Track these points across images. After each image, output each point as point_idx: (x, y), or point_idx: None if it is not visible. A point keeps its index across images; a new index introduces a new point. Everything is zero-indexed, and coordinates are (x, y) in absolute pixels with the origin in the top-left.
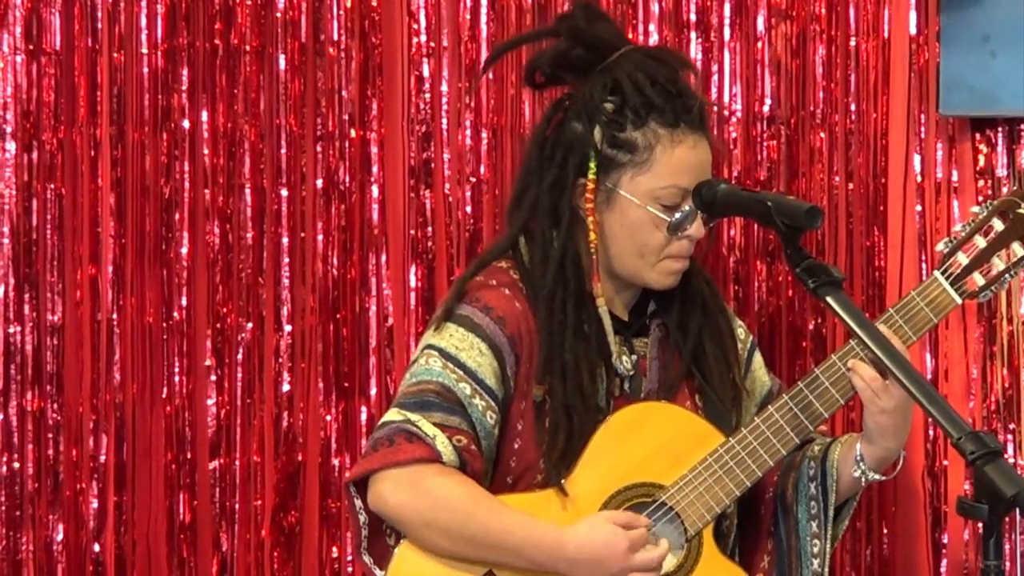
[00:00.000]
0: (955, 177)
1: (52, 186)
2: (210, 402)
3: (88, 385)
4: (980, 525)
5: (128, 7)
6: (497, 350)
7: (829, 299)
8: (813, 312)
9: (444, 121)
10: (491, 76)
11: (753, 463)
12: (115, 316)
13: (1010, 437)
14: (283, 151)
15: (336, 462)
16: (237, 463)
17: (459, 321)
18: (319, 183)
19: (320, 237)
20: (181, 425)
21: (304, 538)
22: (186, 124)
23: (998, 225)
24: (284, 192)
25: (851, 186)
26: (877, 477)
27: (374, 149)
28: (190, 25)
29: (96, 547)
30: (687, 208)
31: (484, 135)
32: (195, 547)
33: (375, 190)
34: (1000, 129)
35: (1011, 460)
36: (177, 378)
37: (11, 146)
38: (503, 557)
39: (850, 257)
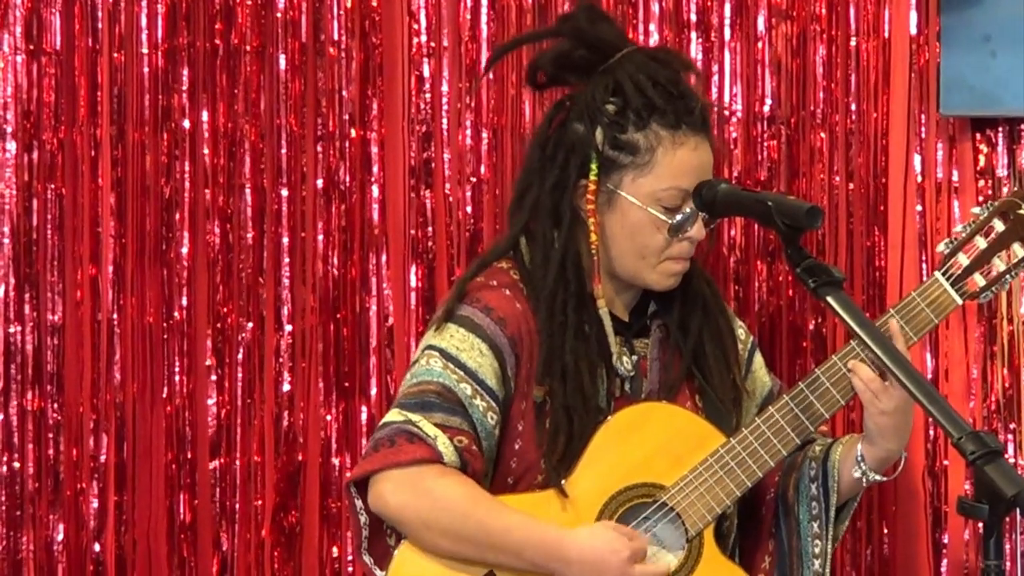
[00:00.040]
0: (955, 177)
1: (52, 186)
2: (210, 402)
3: (88, 385)
4: (980, 525)
5: (128, 7)
6: (498, 351)
7: (829, 299)
8: (813, 312)
9: (444, 121)
10: (491, 76)
11: (754, 463)
12: (115, 316)
13: (1010, 437)
14: (283, 151)
15: (336, 462)
16: (237, 463)
17: (460, 322)
18: (319, 183)
19: (320, 237)
20: (181, 425)
21: (304, 538)
22: (186, 124)
23: (999, 226)
24: (284, 192)
25: (851, 186)
26: (878, 478)
27: (374, 149)
28: (190, 25)
29: (96, 547)
30: (688, 210)
31: (484, 135)
32: (195, 547)
33: (375, 190)
34: (1000, 129)
35: (1011, 460)
36: (177, 378)
37: (11, 146)
38: (503, 558)
39: (850, 257)
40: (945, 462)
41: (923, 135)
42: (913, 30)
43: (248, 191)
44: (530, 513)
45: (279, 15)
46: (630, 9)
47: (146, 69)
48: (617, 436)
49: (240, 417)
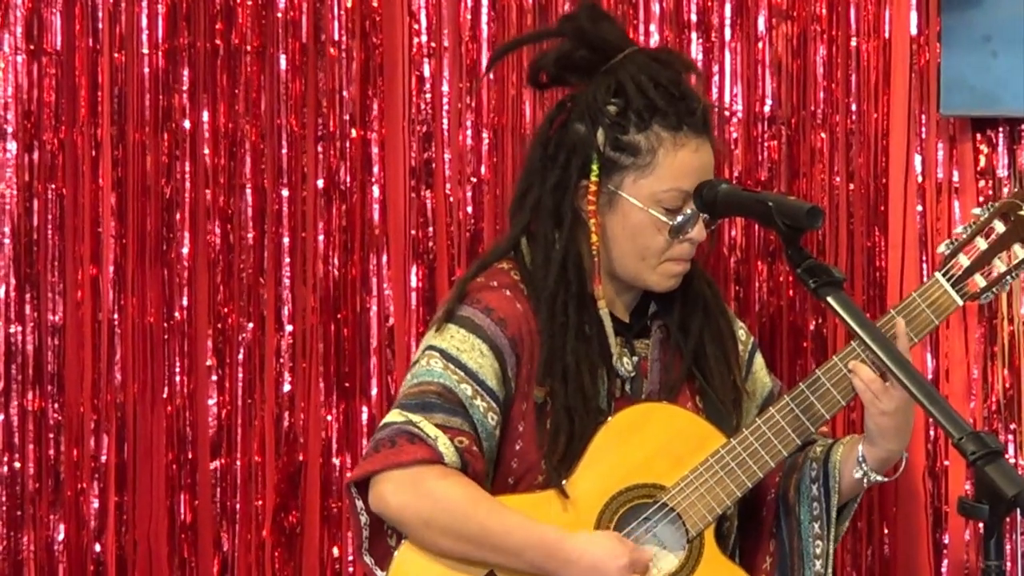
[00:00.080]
0: (956, 177)
1: (53, 186)
2: (211, 402)
3: (89, 385)
4: (981, 525)
5: (129, 7)
6: (498, 351)
7: (830, 299)
8: (814, 312)
9: (445, 121)
10: (492, 76)
11: (754, 464)
12: (116, 316)
13: (1011, 437)
14: (284, 151)
15: (337, 462)
16: (238, 463)
17: (460, 322)
18: (320, 183)
19: (321, 237)
20: (182, 425)
21: (305, 538)
22: (187, 124)
23: (999, 227)
24: (285, 192)
25: (852, 186)
26: (879, 478)
27: (375, 149)
28: (191, 25)
29: (97, 547)
30: (689, 211)
31: (485, 135)
32: (196, 547)
33: (376, 190)
34: (1001, 129)
35: (1012, 460)
36: (178, 378)
37: (12, 146)
38: (503, 559)
39: (851, 257)
40: (946, 462)
41: (923, 135)
42: (913, 30)
43: (249, 191)
44: (531, 513)
45: (280, 15)
46: (630, 9)
47: (147, 69)
48: (618, 437)
49: (241, 417)
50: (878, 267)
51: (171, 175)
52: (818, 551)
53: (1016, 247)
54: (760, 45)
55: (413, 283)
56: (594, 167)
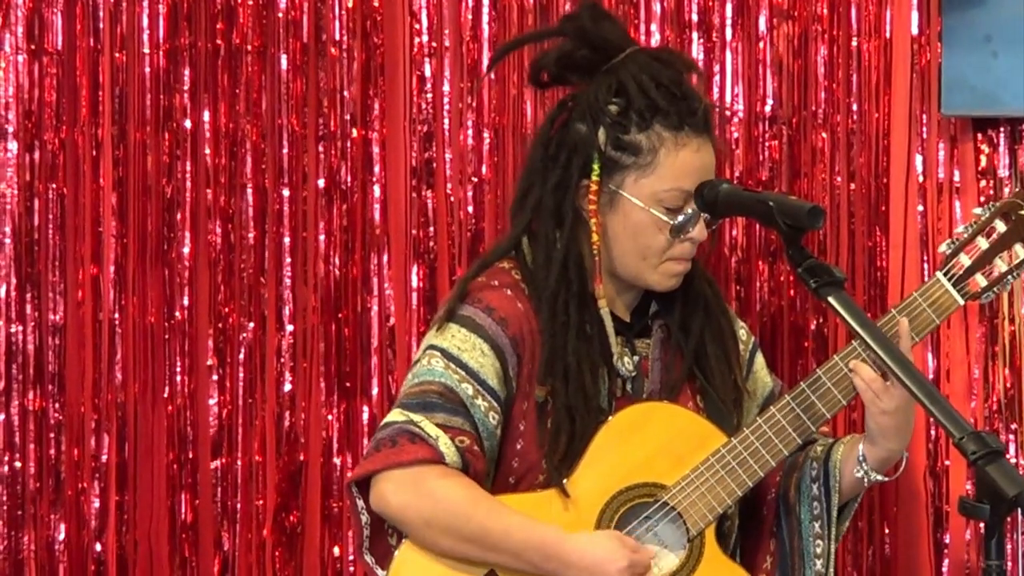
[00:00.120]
0: (957, 177)
1: (54, 186)
2: (212, 402)
3: (90, 385)
4: (982, 525)
5: (130, 7)
6: (499, 351)
7: (831, 299)
8: (815, 312)
9: (446, 121)
10: (493, 76)
11: (755, 463)
12: (117, 316)
13: (1012, 437)
14: (285, 151)
15: (338, 462)
16: (239, 463)
17: (461, 322)
18: (321, 183)
19: (322, 237)
20: (183, 425)
21: (306, 538)
22: (188, 124)
23: (1000, 227)
24: (286, 192)
25: (853, 186)
26: (879, 478)
27: (376, 149)
28: (192, 25)
29: (98, 547)
30: (690, 211)
31: (486, 135)
32: (197, 547)
33: (377, 190)
34: (1002, 129)
35: (1013, 460)
36: (179, 378)
37: (13, 146)
38: (503, 559)
39: (852, 257)
40: (946, 462)
41: (924, 135)
42: (914, 30)
43: (249, 191)
44: (532, 513)
45: (280, 15)
46: (631, 9)
47: (147, 69)
48: (618, 436)
49: (241, 417)
50: (879, 267)
51: (172, 175)
52: (819, 550)
53: (1017, 247)
54: (761, 45)
55: (414, 283)
56: (595, 167)
